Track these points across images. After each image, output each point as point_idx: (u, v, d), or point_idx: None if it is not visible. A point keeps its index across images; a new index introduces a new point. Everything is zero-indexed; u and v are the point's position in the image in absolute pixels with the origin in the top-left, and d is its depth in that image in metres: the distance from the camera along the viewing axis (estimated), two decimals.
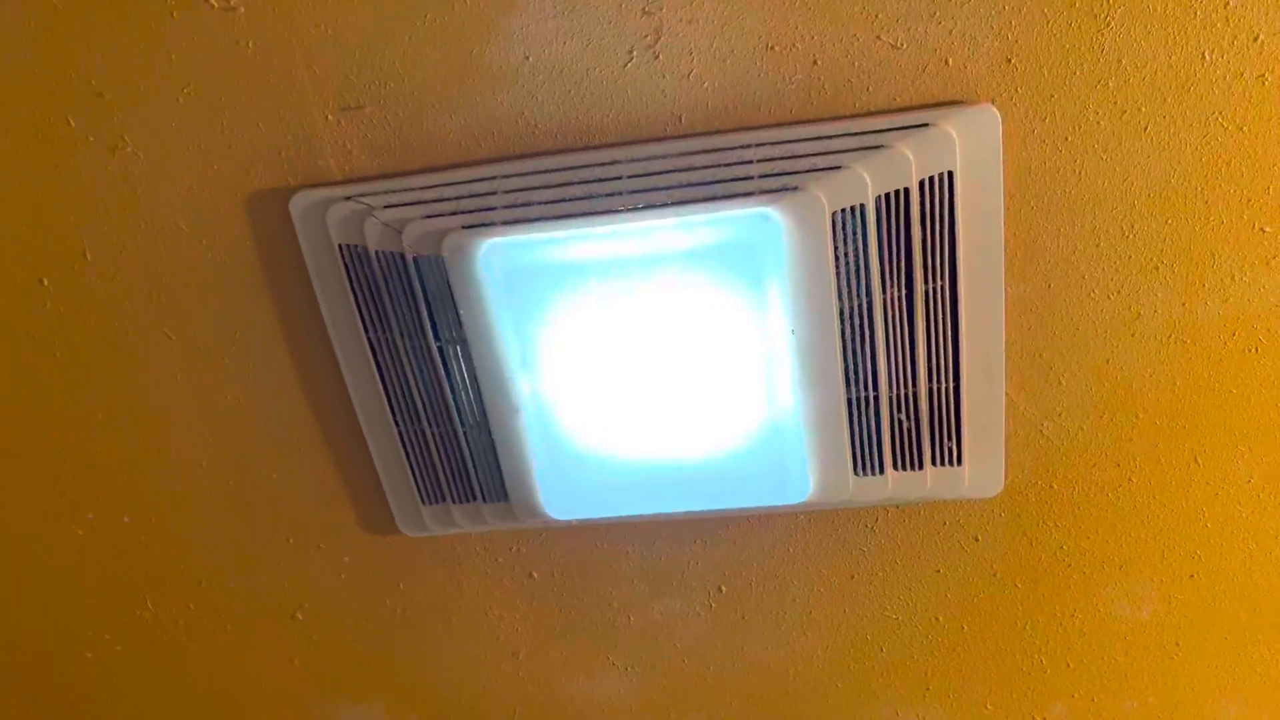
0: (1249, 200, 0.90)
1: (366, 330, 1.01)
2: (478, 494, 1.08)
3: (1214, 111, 0.87)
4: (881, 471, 1.03)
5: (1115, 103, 0.87)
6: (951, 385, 0.99)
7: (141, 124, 0.95)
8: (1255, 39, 0.83)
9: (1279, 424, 1.01)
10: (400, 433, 1.06)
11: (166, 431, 1.12)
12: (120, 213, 1.00)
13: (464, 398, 1.01)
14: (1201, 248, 0.92)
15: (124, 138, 0.96)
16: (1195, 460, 1.04)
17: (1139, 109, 0.87)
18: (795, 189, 0.88)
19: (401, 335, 1.00)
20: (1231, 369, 0.98)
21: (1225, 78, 0.85)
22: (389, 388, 1.03)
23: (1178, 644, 1.16)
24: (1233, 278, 0.94)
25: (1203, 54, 0.84)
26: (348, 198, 0.95)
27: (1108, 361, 0.99)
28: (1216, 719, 1.22)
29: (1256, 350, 0.97)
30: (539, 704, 1.30)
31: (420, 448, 1.07)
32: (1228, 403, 1.00)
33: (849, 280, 0.93)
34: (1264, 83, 0.85)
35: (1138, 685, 1.20)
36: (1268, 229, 0.91)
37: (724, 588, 1.18)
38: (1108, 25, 0.84)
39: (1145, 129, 0.88)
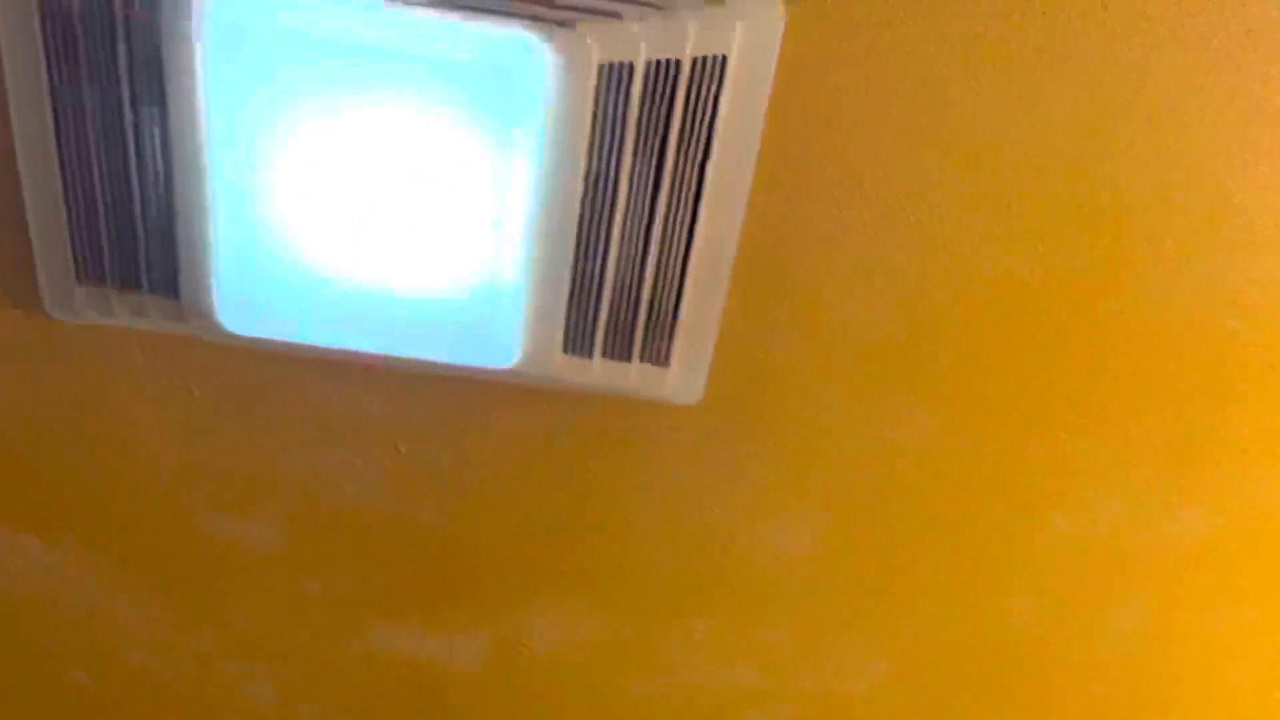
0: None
1: (49, 61, 0.85)
2: (144, 282, 0.95)
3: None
4: (591, 355, 1.00)
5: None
6: (676, 281, 0.97)
7: None
8: None
9: (978, 389, 1.05)
10: (65, 187, 0.91)
11: None
12: None
13: (150, 159, 0.88)
14: (941, 202, 0.95)
15: None
16: (883, 416, 1.08)
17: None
18: (566, 25, 0.83)
19: (90, 73, 0.85)
20: (952, 330, 1.01)
21: None
22: (61, 126, 0.88)
23: (822, 580, 1.21)
24: (966, 237, 0.96)
25: None
26: None
27: (831, 301, 1.00)
28: (852, 659, 1.29)
29: (982, 314, 1.00)
30: (176, 536, 1.19)
31: (86, 211, 0.92)
32: (935, 360, 1.03)
33: (601, 143, 0.88)
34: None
35: (777, 616, 1.25)
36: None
37: (403, 448, 1.12)
38: None
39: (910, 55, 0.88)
